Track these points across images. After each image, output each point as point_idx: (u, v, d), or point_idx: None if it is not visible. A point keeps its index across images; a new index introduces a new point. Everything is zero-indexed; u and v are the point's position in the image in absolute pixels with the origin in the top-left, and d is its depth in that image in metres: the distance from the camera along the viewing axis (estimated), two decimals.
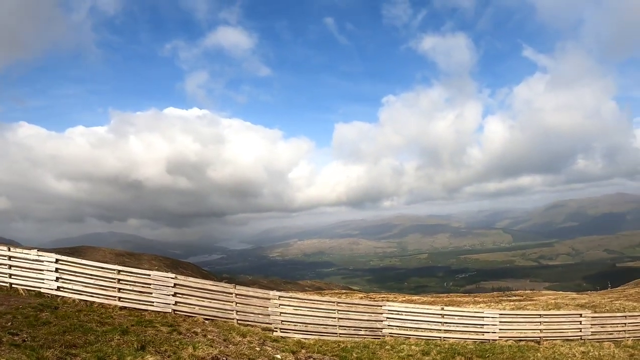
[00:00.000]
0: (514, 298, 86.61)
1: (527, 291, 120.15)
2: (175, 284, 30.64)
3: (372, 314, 34.80)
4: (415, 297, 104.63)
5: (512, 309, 60.38)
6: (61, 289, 29.58)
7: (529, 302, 72.48)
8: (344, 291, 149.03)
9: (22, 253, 30.55)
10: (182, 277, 31.57)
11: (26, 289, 29.66)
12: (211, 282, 32.85)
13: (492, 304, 74.94)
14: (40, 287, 29.66)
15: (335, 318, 33.37)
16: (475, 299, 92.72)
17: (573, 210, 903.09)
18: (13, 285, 29.91)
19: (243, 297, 31.97)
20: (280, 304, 32.30)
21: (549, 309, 59.25)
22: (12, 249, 30.96)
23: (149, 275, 30.75)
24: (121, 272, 30.26)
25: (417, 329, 35.50)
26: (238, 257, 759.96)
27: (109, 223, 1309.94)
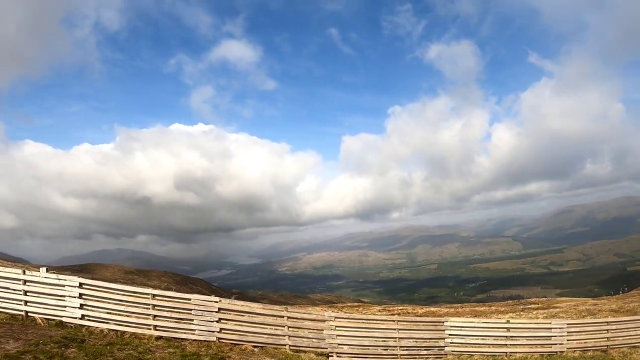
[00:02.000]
0: (533, 306, 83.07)
1: (541, 299, 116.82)
2: (219, 309, 26.72)
3: (434, 331, 31.85)
4: (434, 309, 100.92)
5: (545, 317, 58.24)
6: (86, 318, 25.31)
7: (558, 310, 68.81)
8: (356, 304, 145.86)
9: (39, 277, 26.09)
10: (228, 301, 27.83)
11: (45, 318, 25.12)
12: (261, 305, 29.34)
13: (515, 312, 71.51)
14: (61, 316, 25.25)
15: (395, 338, 30.28)
16: (496, 308, 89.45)
17: (582, 215, 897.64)
18: (29, 314, 25.30)
19: (295, 320, 28.54)
20: (336, 326, 29.07)
21: (582, 316, 56.83)
22: (27, 271, 26.38)
23: (189, 299, 26.74)
24: (156, 297, 26.21)
25: (480, 344, 32.64)
26: (247, 272, 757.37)
27: (117, 240, 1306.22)
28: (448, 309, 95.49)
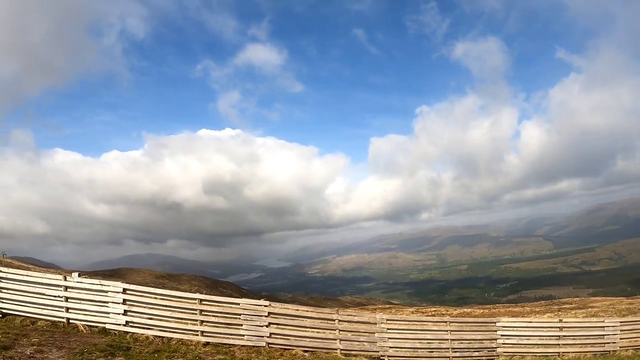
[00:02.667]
0: (568, 306, 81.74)
1: (574, 299, 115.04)
2: (269, 313, 25.82)
3: (486, 332, 31.10)
4: (468, 310, 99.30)
5: (585, 317, 56.35)
6: (130, 324, 24.48)
7: (596, 309, 67.26)
8: (387, 306, 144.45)
9: (81, 282, 25.18)
10: (278, 305, 26.79)
11: (87, 325, 24.35)
12: (311, 309, 27.93)
13: (552, 312, 69.87)
14: (104, 323, 24.48)
15: (447, 340, 29.47)
16: (530, 308, 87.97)
17: (614, 213, 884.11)
18: (71, 321, 24.51)
19: (346, 323, 27.73)
20: (387, 328, 28.08)
21: (623, 315, 54.72)
22: (68, 277, 25.41)
23: (238, 303, 25.86)
24: (203, 302, 25.38)
25: (532, 345, 31.80)
26: (277, 275, 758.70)
27: (148, 245, 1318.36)
28: (482, 310, 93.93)
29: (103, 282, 25.35)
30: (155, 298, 25.43)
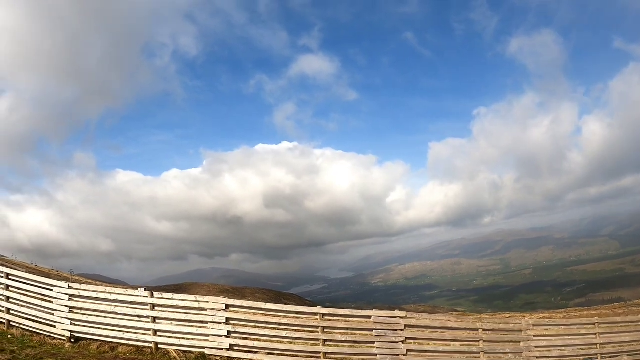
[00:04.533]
0: None
1: None
2: (405, 326, 22.22)
3: (636, 332, 26.66)
4: (545, 314, 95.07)
5: None
6: (235, 348, 21.11)
7: None
8: (455, 313, 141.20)
9: (172, 299, 21.98)
10: (415, 315, 23.54)
11: (180, 351, 21.11)
12: (452, 318, 26.83)
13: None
14: (203, 347, 21.17)
15: (595, 344, 25.73)
16: (606, 312, 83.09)
17: None
18: (160, 346, 21.34)
19: (491, 332, 24.15)
20: (533, 335, 24.54)
21: None
22: (156, 293, 22.30)
23: (369, 317, 22.38)
24: (326, 317, 21.86)
25: None
26: (340, 286, 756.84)
27: (211, 259, 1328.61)
28: (561, 315, 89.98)
29: (203, 298, 22.03)
30: (266, 314, 22.22)
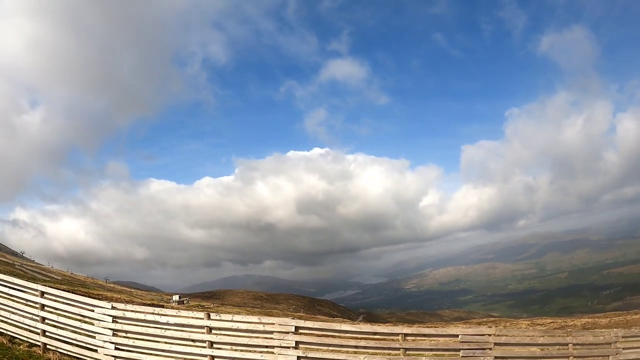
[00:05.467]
0: None
1: None
2: (495, 344, 19.80)
3: None
4: (587, 319, 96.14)
5: None
6: None
7: None
8: (492, 319, 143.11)
9: (232, 321, 19.47)
10: (504, 332, 20.65)
11: None
12: (539, 332, 24.34)
13: None
14: None
15: None
16: None
17: None
18: None
19: (581, 347, 21.90)
20: (622, 348, 22.39)
21: None
22: (213, 315, 19.55)
23: (456, 335, 19.56)
24: (409, 337, 19.92)
25: None
26: (373, 292, 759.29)
27: (244, 266, 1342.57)
28: (607, 320, 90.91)
29: (264, 319, 19.67)
30: (339, 337, 19.50)
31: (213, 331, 19.22)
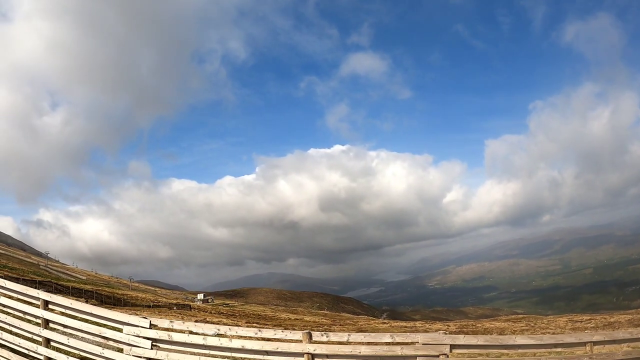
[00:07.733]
0: None
1: None
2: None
3: None
4: (629, 316, 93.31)
5: None
6: None
7: None
8: (520, 316, 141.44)
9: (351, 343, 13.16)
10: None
11: None
12: None
13: None
14: None
15: None
16: None
17: None
18: None
19: None
20: None
21: None
22: (316, 334, 12.75)
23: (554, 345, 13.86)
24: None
25: None
26: (397, 289, 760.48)
27: (268, 264, 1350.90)
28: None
29: (397, 337, 12.71)
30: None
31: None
